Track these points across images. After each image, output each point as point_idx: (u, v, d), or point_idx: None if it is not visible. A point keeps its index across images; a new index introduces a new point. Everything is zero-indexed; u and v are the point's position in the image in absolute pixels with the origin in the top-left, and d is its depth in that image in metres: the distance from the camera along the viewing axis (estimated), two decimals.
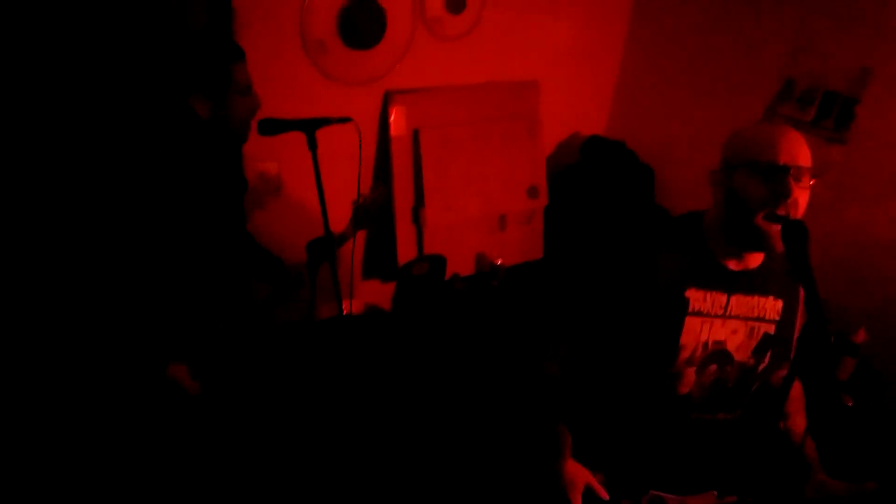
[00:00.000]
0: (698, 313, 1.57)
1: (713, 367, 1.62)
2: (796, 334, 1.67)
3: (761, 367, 1.66)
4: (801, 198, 1.44)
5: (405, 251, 3.18)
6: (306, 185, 2.93)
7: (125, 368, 1.93)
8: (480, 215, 3.34)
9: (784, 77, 3.02)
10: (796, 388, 1.82)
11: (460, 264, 3.29)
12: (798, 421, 1.77)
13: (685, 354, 1.58)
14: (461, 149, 3.20)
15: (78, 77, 2.30)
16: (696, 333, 1.58)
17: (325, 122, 2.05)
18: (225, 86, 1.90)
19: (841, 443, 1.91)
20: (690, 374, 1.60)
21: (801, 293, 1.65)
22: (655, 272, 1.55)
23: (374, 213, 2.21)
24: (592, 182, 3.58)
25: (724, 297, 1.58)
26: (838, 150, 2.78)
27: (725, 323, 1.59)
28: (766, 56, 3.10)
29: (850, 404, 2.09)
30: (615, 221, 3.46)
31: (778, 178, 1.43)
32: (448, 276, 3.18)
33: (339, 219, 2.24)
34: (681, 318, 1.56)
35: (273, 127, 2.02)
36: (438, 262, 3.02)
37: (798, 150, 1.45)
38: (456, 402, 2.87)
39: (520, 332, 3.03)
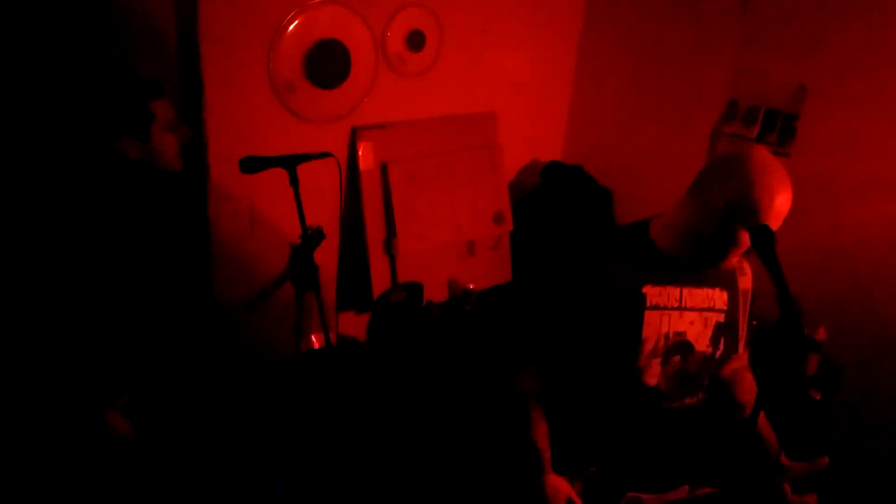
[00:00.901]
0: (656, 307, 1.67)
1: (677, 357, 1.71)
2: (741, 323, 1.78)
3: (718, 353, 1.76)
4: None
5: (379, 281, 3.24)
6: (280, 221, 3.03)
7: (65, 413, 1.88)
8: (450, 243, 3.43)
9: (728, 97, 3.22)
10: (749, 379, 1.93)
11: (433, 291, 3.36)
12: (742, 394, 1.88)
13: (649, 346, 1.67)
14: (428, 179, 3.30)
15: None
16: (657, 326, 1.67)
17: (306, 157, 2.11)
18: (146, 123, 1.91)
19: (806, 431, 2.03)
20: (656, 365, 1.70)
21: (740, 284, 1.77)
22: (609, 275, 1.66)
23: (308, 252, 2.22)
24: (554, 205, 3.72)
25: (677, 291, 1.69)
26: (784, 163, 2.95)
27: (682, 315, 1.69)
28: (710, 79, 3.30)
29: (817, 398, 2.22)
30: (577, 242, 3.58)
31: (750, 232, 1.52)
32: (423, 303, 3.24)
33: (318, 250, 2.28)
34: (640, 314, 1.66)
35: (255, 165, 2.08)
36: (415, 289, 3.09)
37: (787, 208, 1.55)
38: (439, 427, 2.92)
39: (495, 353, 3.11)
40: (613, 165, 3.81)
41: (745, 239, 1.56)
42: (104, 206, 1.90)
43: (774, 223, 1.53)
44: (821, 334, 2.43)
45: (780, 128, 3.03)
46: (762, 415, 1.86)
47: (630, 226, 1.77)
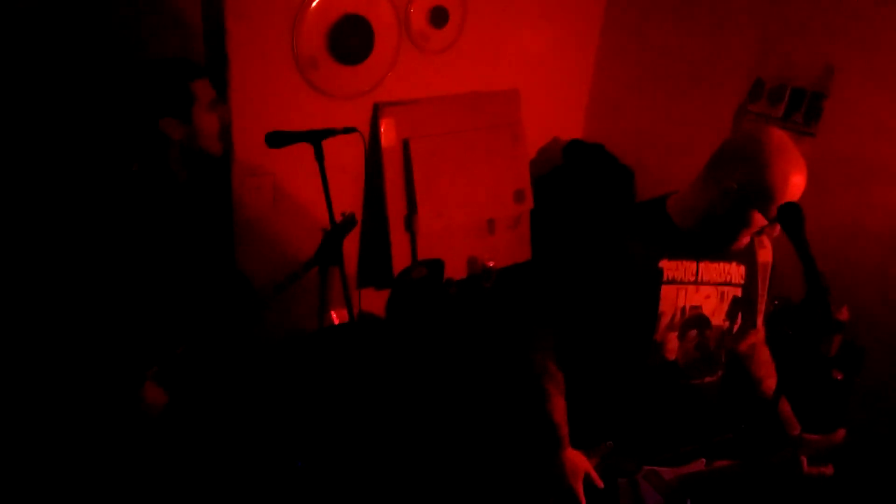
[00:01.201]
0: (672, 281, 1.68)
1: (693, 332, 1.72)
2: (759, 297, 1.79)
3: (736, 327, 1.77)
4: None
5: (399, 258, 3.26)
6: (302, 197, 3.05)
7: (100, 385, 1.92)
8: (470, 220, 3.44)
9: (754, 76, 3.18)
10: (765, 353, 1.94)
11: (452, 269, 3.37)
12: (770, 384, 1.90)
13: (665, 320, 1.69)
14: (449, 157, 3.30)
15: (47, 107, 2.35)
16: (673, 300, 1.68)
17: (332, 132, 2.13)
18: (188, 104, 1.93)
19: (827, 411, 2.03)
20: (673, 339, 1.71)
21: (759, 257, 1.78)
22: (626, 250, 1.67)
23: (340, 237, 2.25)
24: (575, 184, 3.71)
25: (693, 265, 1.70)
26: (809, 143, 2.94)
27: (699, 289, 1.70)
28: (735, 57, 3.26)
29: (839, 378, 2.22)
30: (595, 219, 3.57)
31: (778, 210, 1.53)
32: (443, 280, 3.26)
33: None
34: (657, 287, 1.67)
35: (280, 139, 2.10)
36: (436, 266, 3.11)
37: (801, 191, 1.56)
38: (457, 403, 2.94)
39: (513, 329, 3.12)
40: (635, 144, 3.78)
41: (758, 219, 1.57)
42: (147, 181, 1.93)
43: (795, 197, 1.54)
44: (844, 315, 2.42)
45: (806, 107, 2.99)
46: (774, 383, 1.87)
47: (647, 202, 1.78)
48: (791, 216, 1.48)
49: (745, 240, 1.65)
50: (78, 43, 2.51)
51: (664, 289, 1.67)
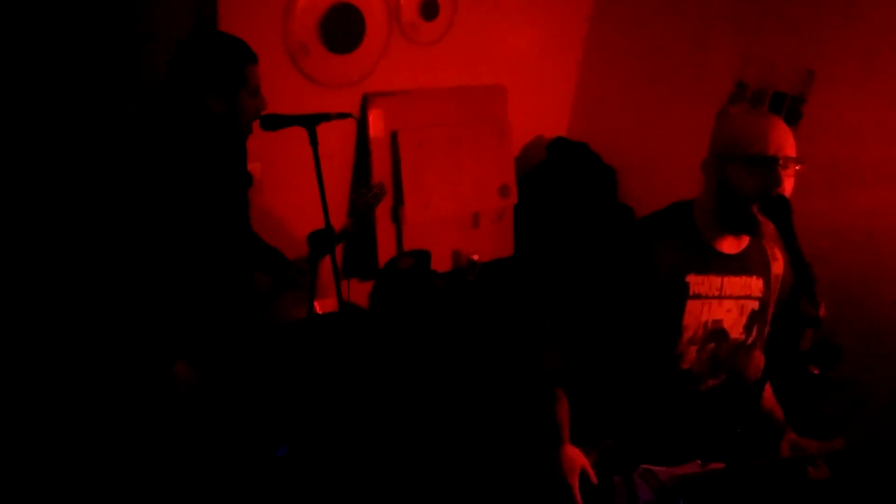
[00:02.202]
0: (698, 296, 1.66)
1: (712, 344, 1.72)
2: (771, 308, 1.81)
3: (750, 340, 1.78)
4: (788, 184, 1.55)
5: (385, 249, 3.27)
6: (288, 184, 3.04)
7: (131, 364, 1.95)
8: (455, 213, 3.46)
9: (736, 79, 3.25)
10: (760, 358, 1.98)
11: (438, 261, 3.39)
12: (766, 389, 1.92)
13: (688, 335, 1.68)
14: (436, 149, 3.32)
15: (83, 69, 2.34)
16: (697, 315, 1.67)
17: (326, 117, 2.13)
18: (238, 85, 1.96)
19: (807, 406, 2.07)
20: (692, 352, 1.70)
21: (773, 269, 1.79)
22: (654, 261, 1.65)
23: (371, 208, 2.30)
24: (559, 182, 3.75)
25: (718, 280, 1.68)
26: None
27: (721, 303, 1.70)
28: (718, 60, 3.33)
29: (815, 373, 2.26)
30: (580, 219, 3.62)
31: (768, 168, 1.53)
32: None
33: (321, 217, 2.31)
34: (682, 302, 1.66)
35: (275, 122, 2.10)
36: (423, 256, 3.12)
37: (785, 140, 1.55)
38: (442, 395, 2.96)
39: (499, 325, 3.15)
40: (618, 144, 3.83)
41: (746, 181, 1.55)
42: (169, 154, 1.94)
43: (778, 147, 1.53)
44: (822, 311, 2.48)
45: (786, 110, 3.06)
46: (769, 390, 1.90)
47: (674, 207, 1.75)
48: (779, 207, 1.51)
49: (770, 226, 1.57)
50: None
51: (689, 304, 1.66)
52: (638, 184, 3.79)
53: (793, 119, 3.03)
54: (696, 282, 1.67)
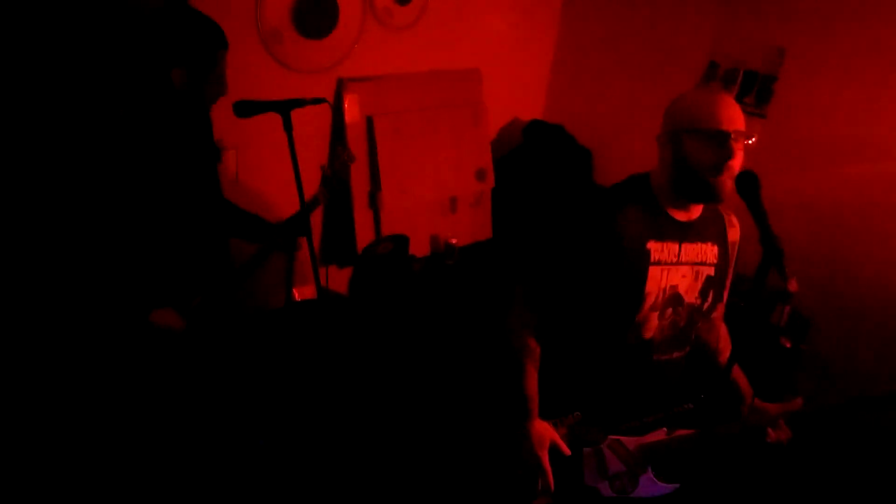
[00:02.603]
0: (658, 262, 1.72)
1: (669, 310, 1.77)
2: (728, 274, 1.86)
3: (706, 306, 1.84)
4: (738, 158, 1.63)
5: (363, 235, 3.27)
6: (264, 170, 3.03)
7: (107, 319, 1.98)
8: (433, 198, 3.47)
9: (708, 59, 3.29)
10: (723, 328, 2.02)
11: (416, 246, 3.40)
12: (727, 356, 1.97)
13: (650, 301, 1.73)
14: (413, 134, 3.32)
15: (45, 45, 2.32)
16: (658, 281, 1.73)
17: (301, 102, 2.12)
18: (209, 68, 1.96)
19: (777, 378, 2.13)
20: (654, 318, 1.75)
21: (729, 236, 1.85)
22: (617, 229, 1.70)
23: (342, 177, 2.32)
24: (535, 164, 3.77)
25: (676, 246, 1.74)
26: (760, 124, 3.05)
27: (678, 269, 1.76)
28: (690, 40, 3.36)
29: (787, 346, 2.32)
30: (557, 200, 3.65)
31: (721, 142, 1.60)
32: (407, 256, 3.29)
33: (290, 207, 2.31)
34: (645, 269, 1.71)
35: (249, 109, 2.09)
36: (401, 241, 3.13)
37: (735, 115, 1.62)
38: (427, 381, 2.98)
39: (478, 307, 3.17)
40: (594, 125, 3.86)
41: (698, 151, 1.62)
42: (131, 124, 1.95)
43: (729, 122, 1.59)
44: (792, 286, 2.53)
45: (757, 89, 3.10)
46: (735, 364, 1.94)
47: (633, 179, 1.80)
48: (748, 182, 1.54)
49: (712, 180, 1.63)
50: None
51: (651, 270, 1.71)
52: (613, 164, 3.81)
53: (764, 98, 3.07)
54: (656, 248, 1.72)
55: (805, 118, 2.95)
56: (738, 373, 1.90)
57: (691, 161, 1.63)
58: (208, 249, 2.18)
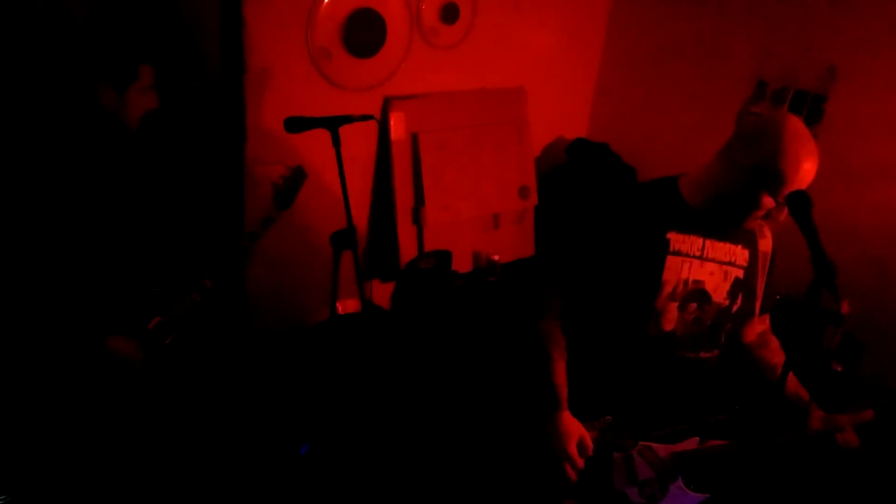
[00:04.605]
0: (678, 253, 1.74)
1: (693, 305, 1.78)
2: (759, 282, 1.85)
3: (735, 308, 1.84)
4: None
5: (406, 250, 3.30)
6: (313, 185, 3.07)
7: (59, 343, 1.95)
8: (476, 215, 3.49)
9: (756, 78, 3.25)
10: (775, 342, 1.99)
11: (458, 262, 3.41)
12: (772, 355, 1.95)
13: (668, 290, 1.75)
14: (457, 151, 3.35)
15: None
16: (677, 271, 1.74)
17: (349, 119, 2.18)
18: (128, 79, 2.03)
19: (829, 401, 2.08)
20: (673, 309, 1.77)
21: (760, 246, 1.85)
22: (634, 218, 1.74)
23: (288, 193, 2.31)
24: (578, 182, 3.76)
25: (700, 241, 1.76)
26: None
27: (703, 265, 1.77)
28: (738, 59, 3.33)
29: (838, 370, 2.27)
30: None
31: (787, 198, 1.59)
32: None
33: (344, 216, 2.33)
34: (662, 257, 1.73)
35: (299, 124, 2.15)
36: (444, 256, 3.15)
37: (811, 177, 1.62)
38: (461, 396, 2.98)
39: (520, 322, 3.16)
40: (638, 144, 3.84)
41: (767, 202, 1.63)
42: (65, 136, 2.02)
43: (804, 184, 1.60)
44: (845, 308, 2.47)
45: (808, 109, 3.05)
46: (791, 374, 1.91)
47: (658, 179, 1.84)
48: (800, 203, 1.53)
49: (753, 223, 1.70)
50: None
51: (669, 259, 1.73)
52: None
53: (814, 118, 3.02)
54: (676, 239, 1.74)
55: (857, 138, 2.89)
56: (798, 386, 1.88)
57: (754, 204, 1.65)
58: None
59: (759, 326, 1.97)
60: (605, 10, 3.89)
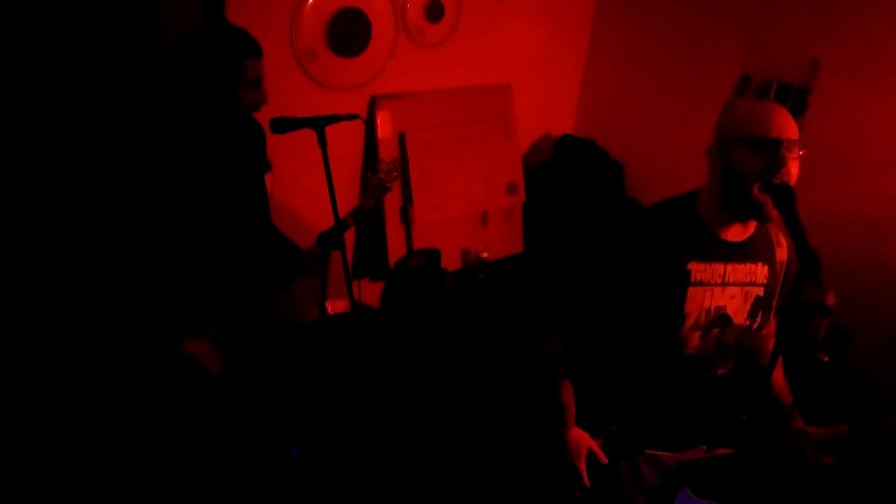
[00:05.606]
0: (700, 283, 1.68)
1: (716, 330, 1.74)
2: (776, 293, 1.83)
3: (755, 326, 1.80)
4: (793, 168, 1.56)
5: (395, 249, 3.30)
6: (298, 187, 3.08)
7: (136, 348, 1.97)
8: (464, 213, 3.49)
9: (741, 72, 3.27)
10: (771, 345, 1.99)
11: (447, 260, 3.42)
12: (775, 375, 1.93)
13: (690, 321, 1.70)
14: (444, 150, 3.36)
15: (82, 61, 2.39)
16: (700, 301, 1.69)
17: (335, 119, 2.16)
18: (234, 76, 1.98)
19: (816, 391, 2.09)
20: (696, 338, 1.73)
21: (777, 256, 1.81)
22: (656, 248, 1.67)
23: (386, 189, 2.32)
24: (566, 178, 3.77)
25: (721, 267, 1.70)
26: None
27: (724, 290, 1.71)
28: (723, 53, 3.34)
29: (825, 360, 2.28)
30: (589, 214, 3.65)
31: (772, 150, 1.54)
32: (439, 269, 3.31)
33: (324, 223, 2.33)
34: (684, 289, 1.68)
35: (285, 125, 2.13)
36: (433, 255, 3.16)
37: (787, 124, 1.57)
38: (453, 394, 2.99)
39: (509, 322, 3.18)
40: (625, 139, 3.86)
41: (751, 162, 1.56)
42: (168, 132, 1.99)
43: (781, 130, 1.55)
44: (830, 299, 2.49)
45: (791, 102, 3.07)
46: (781, 376, 1.92)
47: (678, 198, 1.77)
48: (783, 195, 1.53)
49: (762, 196, 1.57)
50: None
51: (691, 290, 1.68)
52: (645, 178, 3.81)
53: (798, 110, 3.04)
54: (697, 269, 1.68)
55: (840, 130, 2.91)
56: (782, 391, 1.88)
57: (739, 172, 1.58)
58: (249, 256, 2.20)
59: (764, 330, 1.96)
60: (590, 5, 3.90)
